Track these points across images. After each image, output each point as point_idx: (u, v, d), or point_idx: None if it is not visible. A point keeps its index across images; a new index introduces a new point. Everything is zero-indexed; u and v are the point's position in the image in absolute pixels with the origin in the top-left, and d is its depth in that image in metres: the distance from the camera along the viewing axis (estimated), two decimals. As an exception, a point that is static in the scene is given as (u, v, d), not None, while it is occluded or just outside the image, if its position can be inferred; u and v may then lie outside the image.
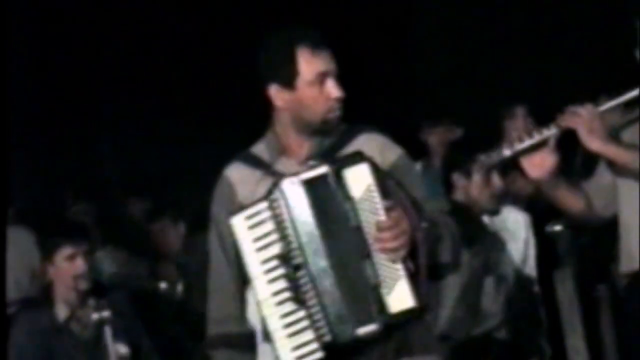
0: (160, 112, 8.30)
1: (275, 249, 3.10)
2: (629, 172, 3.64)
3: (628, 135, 3.73)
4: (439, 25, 8.54)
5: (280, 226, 3.09)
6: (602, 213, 3.84)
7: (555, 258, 5.24)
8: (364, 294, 3.06)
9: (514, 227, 5.15)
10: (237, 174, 3.25)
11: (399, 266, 3.05)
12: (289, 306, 3.09)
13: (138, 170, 8.14)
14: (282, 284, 3.09)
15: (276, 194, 3.09)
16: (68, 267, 4.51)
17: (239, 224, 3.13)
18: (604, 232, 4.05)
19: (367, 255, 3.06)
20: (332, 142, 3.18)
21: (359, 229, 3.07)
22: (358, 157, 3.08)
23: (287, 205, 3.09)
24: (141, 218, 6.84)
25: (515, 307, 4.96)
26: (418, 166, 5.92)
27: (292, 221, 3.09)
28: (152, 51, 8.41)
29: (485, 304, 4.89)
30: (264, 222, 3.11)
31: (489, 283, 4.88)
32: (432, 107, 7.69)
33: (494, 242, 4.91)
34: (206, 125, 8.19)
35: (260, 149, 3.27)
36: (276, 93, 3.17)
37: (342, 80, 3.19)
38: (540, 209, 5.14)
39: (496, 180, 4.78)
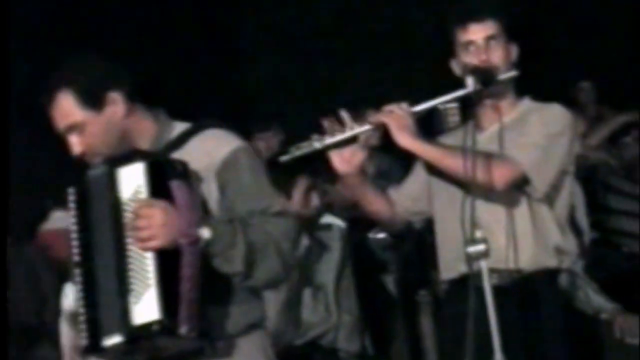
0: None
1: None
2: (445, 179, 3.67)
3: (450, 140, 3.78)
4: (268, 30, 8.60)
5: (74, 220, 3.06)
6: (410, 218, 3.92)
7: (379, 264, 5.33)
8: (113, 301, 2.93)
9: (330, 235, 5.17)
10: None
11: (151, 274, 2.89)
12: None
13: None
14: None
15: (70, 191, 3.08)
16: None
17: None
18: (426, 239, 4.13)
19: (121, 258, 2.93)
20: (168, 143, 3.15)
21: (118, 230, 2.96)
22: (135, 156, 3.00)
23: (75, 202, 3.06)
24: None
25: (338, 314, 5.02)
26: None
27: (77, 217, 3.04)
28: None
29: (305, 315, 4.92)
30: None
31: (307, 294, 4.91)
32: (262, 112, 7.75)
33: (311, 253, 4.95)
34: (45, 134, 8.04)
35: None
36: None
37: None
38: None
39: (315, 200, 4.81)
